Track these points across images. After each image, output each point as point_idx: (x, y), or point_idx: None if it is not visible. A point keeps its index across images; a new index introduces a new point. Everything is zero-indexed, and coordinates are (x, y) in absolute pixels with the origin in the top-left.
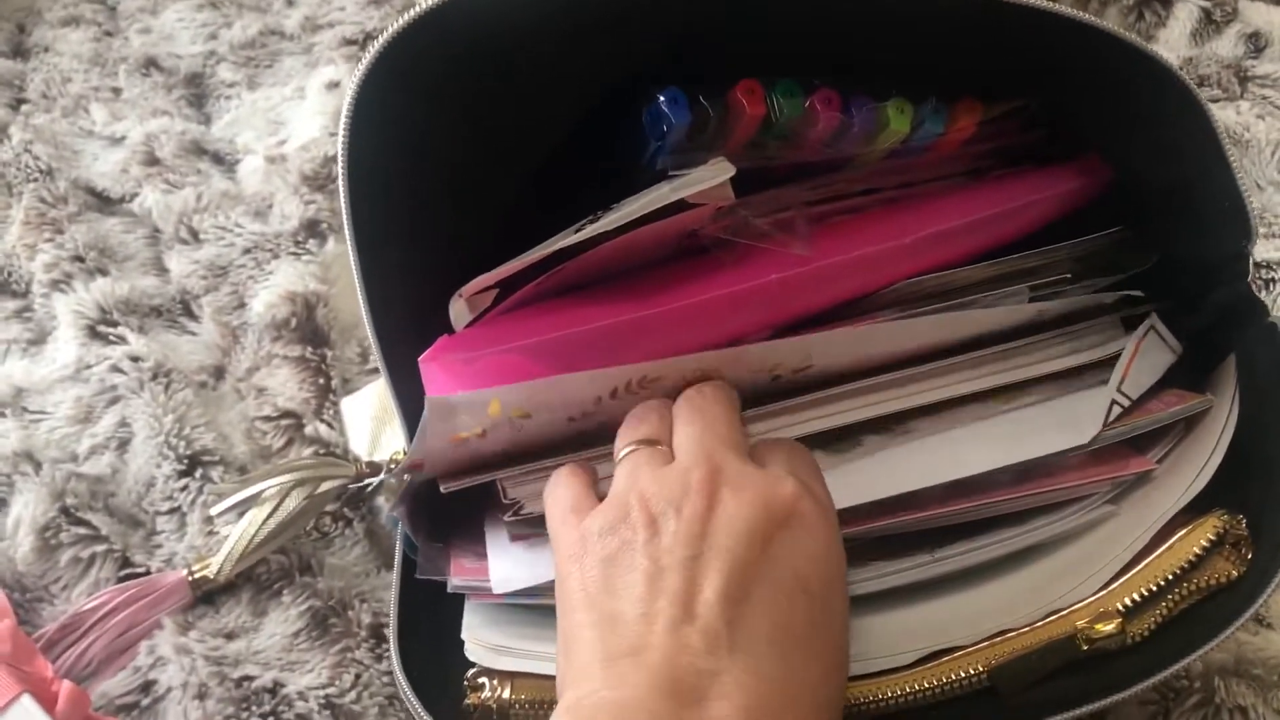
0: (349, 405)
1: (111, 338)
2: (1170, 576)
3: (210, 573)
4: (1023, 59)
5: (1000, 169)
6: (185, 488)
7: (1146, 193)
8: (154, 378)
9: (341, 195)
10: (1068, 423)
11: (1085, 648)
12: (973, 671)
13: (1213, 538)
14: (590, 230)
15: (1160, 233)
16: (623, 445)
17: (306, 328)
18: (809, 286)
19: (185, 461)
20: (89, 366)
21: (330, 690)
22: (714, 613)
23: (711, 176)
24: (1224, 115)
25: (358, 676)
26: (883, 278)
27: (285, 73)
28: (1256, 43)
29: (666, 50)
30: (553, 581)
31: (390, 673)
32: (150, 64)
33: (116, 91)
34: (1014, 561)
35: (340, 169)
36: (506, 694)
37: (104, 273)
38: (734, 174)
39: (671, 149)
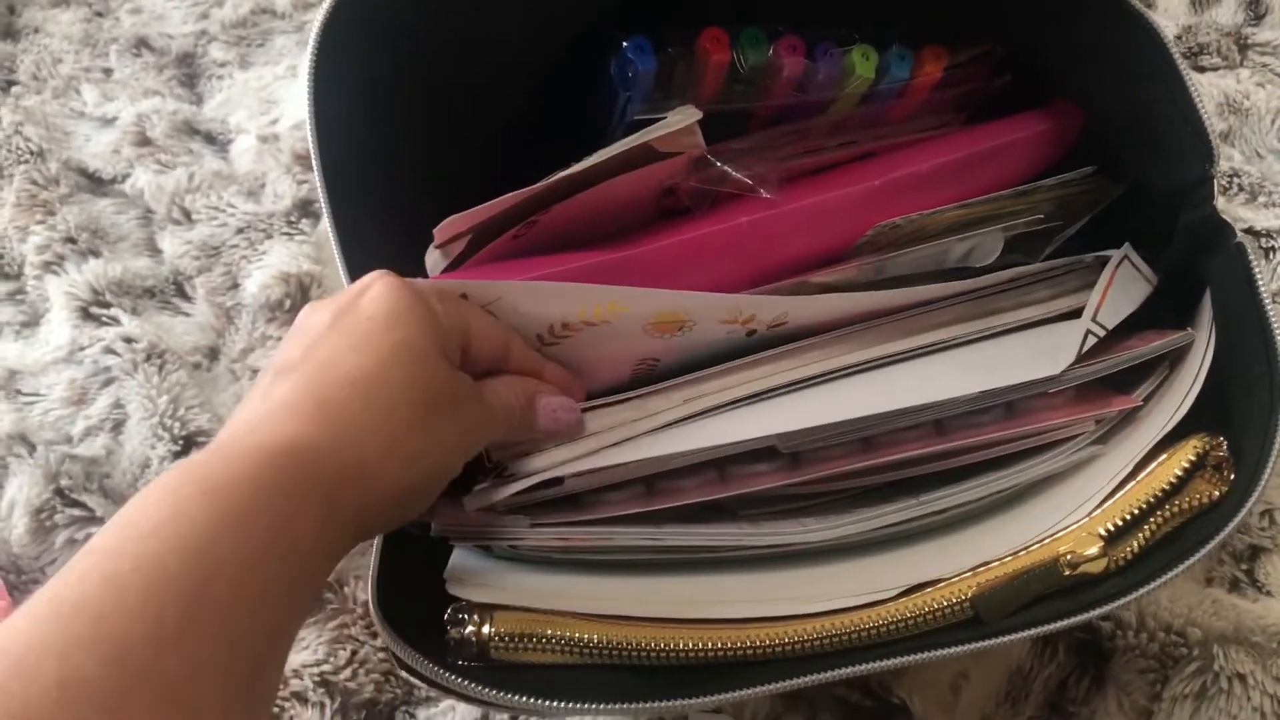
0: None
1: (104, 319)
2: (1152, 500)
3: None
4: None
5: (972, 121)
6: None
7: (1111, 125)
8: (148, 359)
9: (312, 153)
10: (1043, 352)
11: (1068, 573)
12: (955, 599)
13: (1193, 458)
14: (562, 174)
15: (1127, 165)
16: None
17: (300, 308)
18: (781, 230)
19: (180, 442)
20: (82, 348)
21: (325, 667)
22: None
23: (679, 121)
24: (1224, 83)
25: (354, 653)
26: (857, 224)
27: (277, 51)
28: (1256, 9)
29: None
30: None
31: (385, 648)
32: (141, 44)
33: (108, 72)
34: (1000, 505)
35: (309, 123)
36: (487, 629)
37: (96, 254)
38: (700, 118)
39: (640, 97)
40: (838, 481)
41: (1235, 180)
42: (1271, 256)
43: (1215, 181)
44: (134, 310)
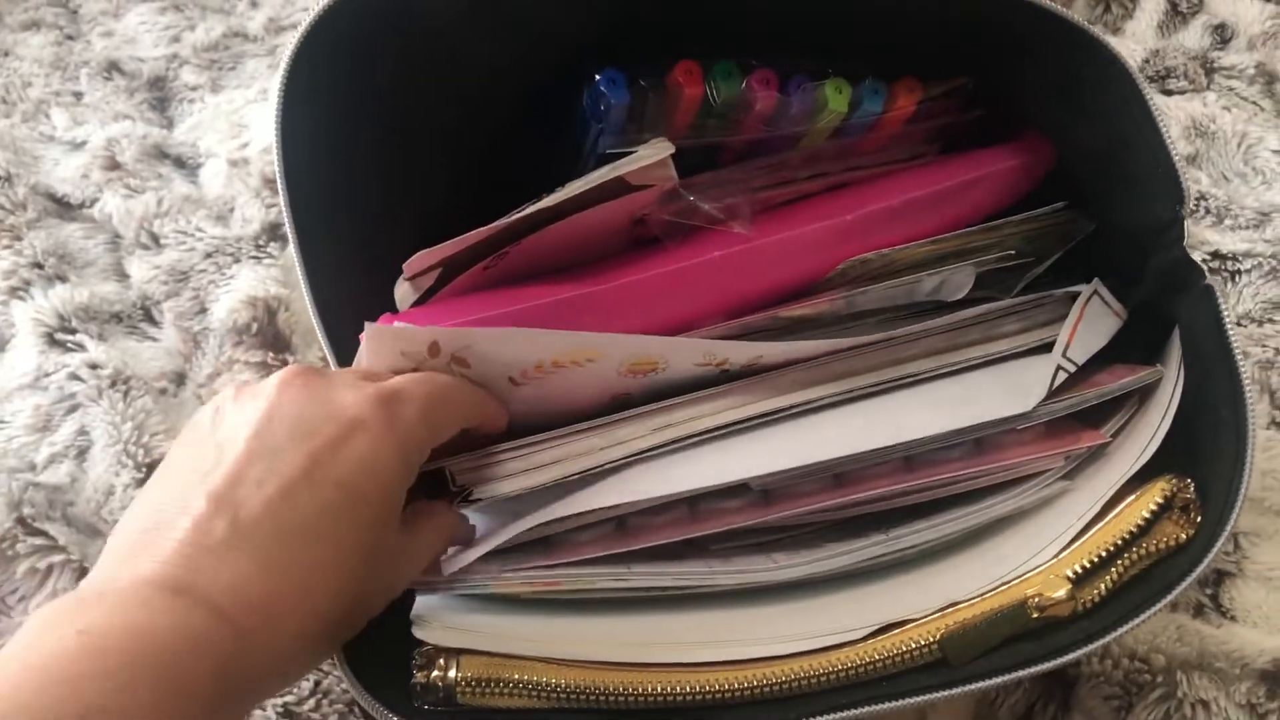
0: None
1: (70, 345)
2: (1119, 542)
3: None
4: (957, 35)
5: (944, 153)
6: None
7: (1082, 161)
8: (113, 385)
9: (279, 184)
10: (1013, 389)
11: (1035, 615)
12: (923, 642)
13: (1160, 501)
14: (532, 208)
15: (1098, 201)
16: None
17: (268, 332)
18: (753, 264)
19: (144, 470)
20: (47, 375)
21: (288, 698)
22: (244, 504)
23: (651, 155)
24: (1190, 107)
25: (316, 684)
26: (828, 258)
27: (249, 75)
28: (1223, 34)
29: (602, 32)
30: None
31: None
32: (112, 68)
33: (78, 95)
34: (969, 540)
35: (276, 155)
36: (453, 673)
37: (63, 279)
38: (673, 151)
39: (613, 130)
40: (808, 517)
41: (1202, 203)
42: (1238, 279)
43: (1185, 223)
44: (100, 336)
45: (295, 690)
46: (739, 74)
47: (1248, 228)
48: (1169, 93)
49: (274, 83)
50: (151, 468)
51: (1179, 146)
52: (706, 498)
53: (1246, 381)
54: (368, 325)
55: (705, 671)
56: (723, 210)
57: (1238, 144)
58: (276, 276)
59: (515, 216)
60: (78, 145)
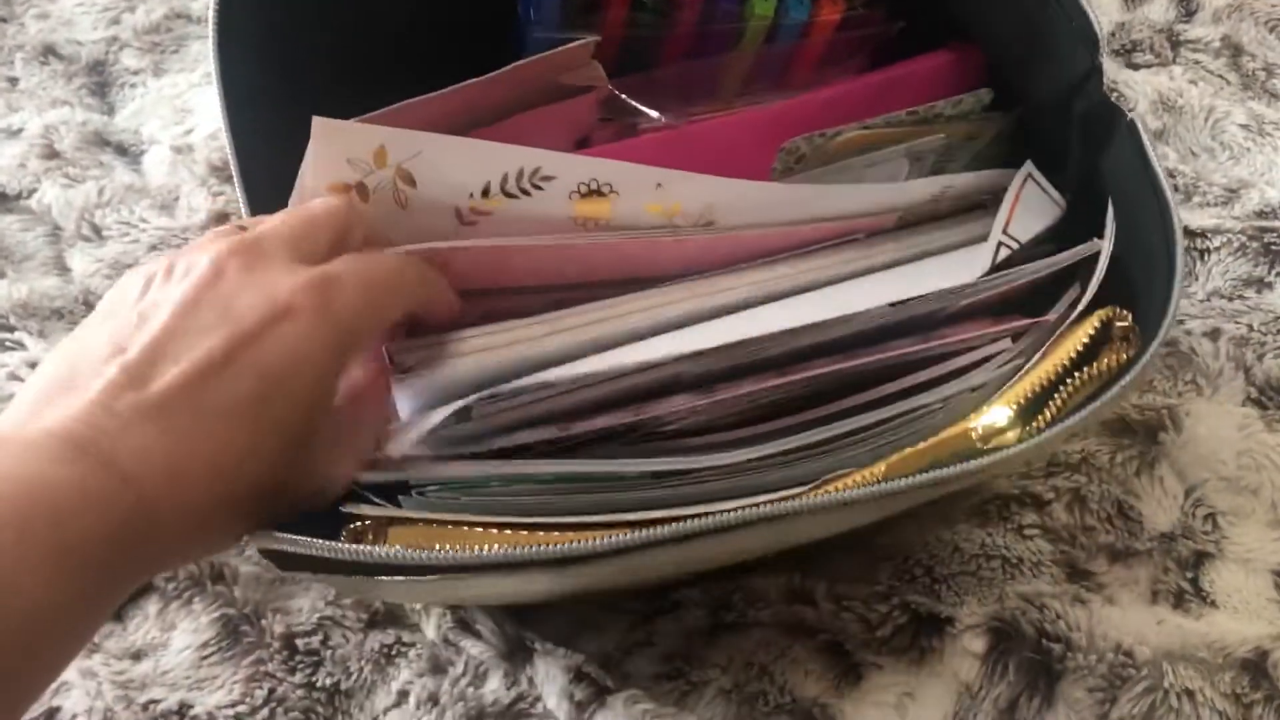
0: None
1: (8, 344)
2: (1059, 370)
3: None
4: None
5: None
6: None
7: (1004, 46)
8: None
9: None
10: (957, 268)
11: (981, 446)
12: (868, 480)
13: (1098, 325)
14: (460, 85)
15: (1023, 82)
16: None
17: None
18: (687, 154)
19: None
20: None
21: (241, 708)
22: (160, 373)
23: (576, 42)
24: (1157, 81)
25: (271, 691)
26: (764, 153)
27: (193, 58)
28: (1187, 6)
29: None
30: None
31: (305, 685)
32: (49, 52)
33: (13, 81)
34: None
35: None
36: (381, 546)
37: (0, 275)
38: (597, 40)
39: (547, 26)
40: (751, 403)
41: (1170, 180)
42: (1208, 257)
43: (1103, 72)
44: (41, 333)
45: (248, 700)
46: None
47: (1216, 204)
48: (1135, 66)
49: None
50: None
51: (1147, 121)
52: (649, 398)
53: (1170, 199)
54: (316, 120)
55: (650, 526)
56: (652, 106)
57: (1205, 118)
58: None
59: (446, 90)
60: (13, 133)
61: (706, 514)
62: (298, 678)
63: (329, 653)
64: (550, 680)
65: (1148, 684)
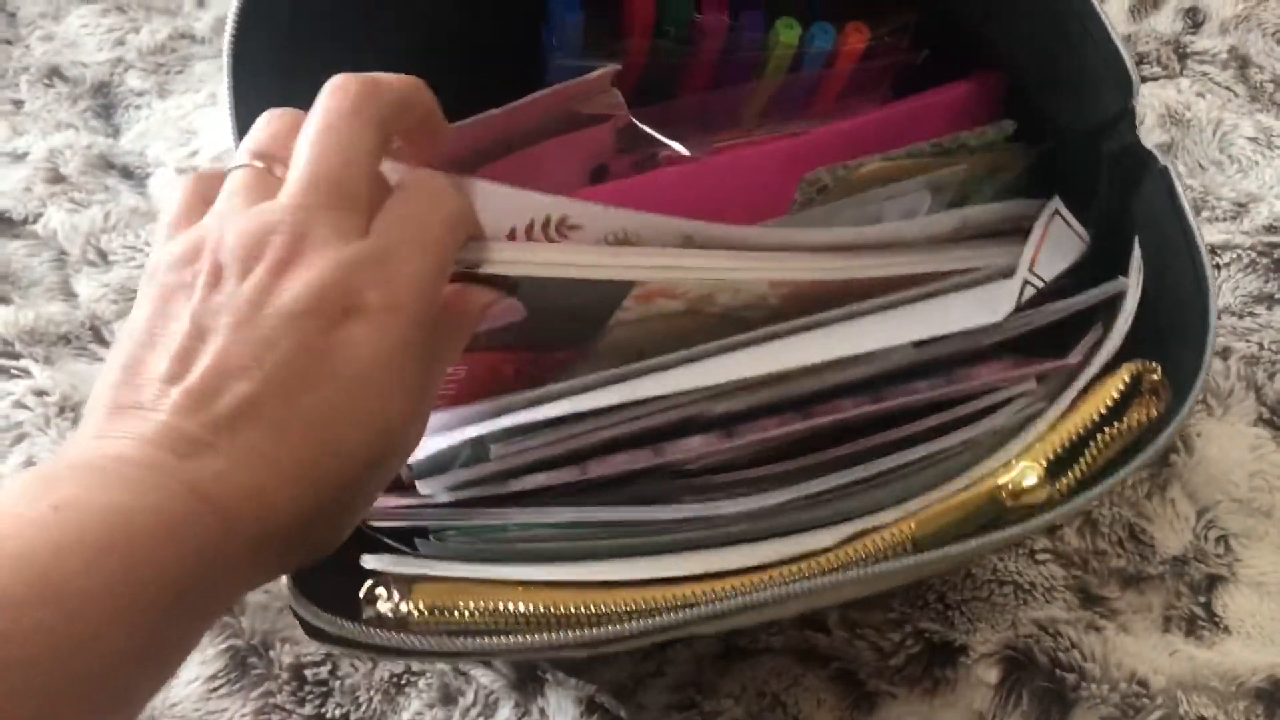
0: None
1: (14, 371)
2: (1089, 424)
3: None
4: None
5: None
6: None
7: (1031, 76)
8: (60, 412)
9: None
10: (980, 305)
11: (1010, 503)
12: (897, 539)
13: (1128, 379)
14: (483, 115)
15: (1050, 114)
16: (238, 155)
17: None
18: (706, 187)
19: None
20: None
21: None
22: (229, 391)
23: (596, 72)
24: (1164, 94)
25: None
26: (785, 185)
27: (197, 78)
28: (1194, 18)
29: None
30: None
31: (314, 716)
32: (54, 74)
33: (18, 104)
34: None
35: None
36: (406, 604)
37: (6, 301)
38: (618, 69)
39: (569, 53)
40: (773, 446)
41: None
42: (1218, 273)
43: (1135, 114)
44: (47, 359)
45: None
46: (691, 2)
47: (1225, 219)
48: (1143, 79)
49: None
50: None
51: (1154, 135)
52: (668, 436)
53: (1203, 253)
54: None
55: (677, 586)
56: (673, 135)
57: (1213, 131)
58: None
59: (466, 122)
60: (18, 157)
61: (736, 581)
62: (307, 709)
63: (338, 683)
64: (562, 712)
65: (1162, 713)
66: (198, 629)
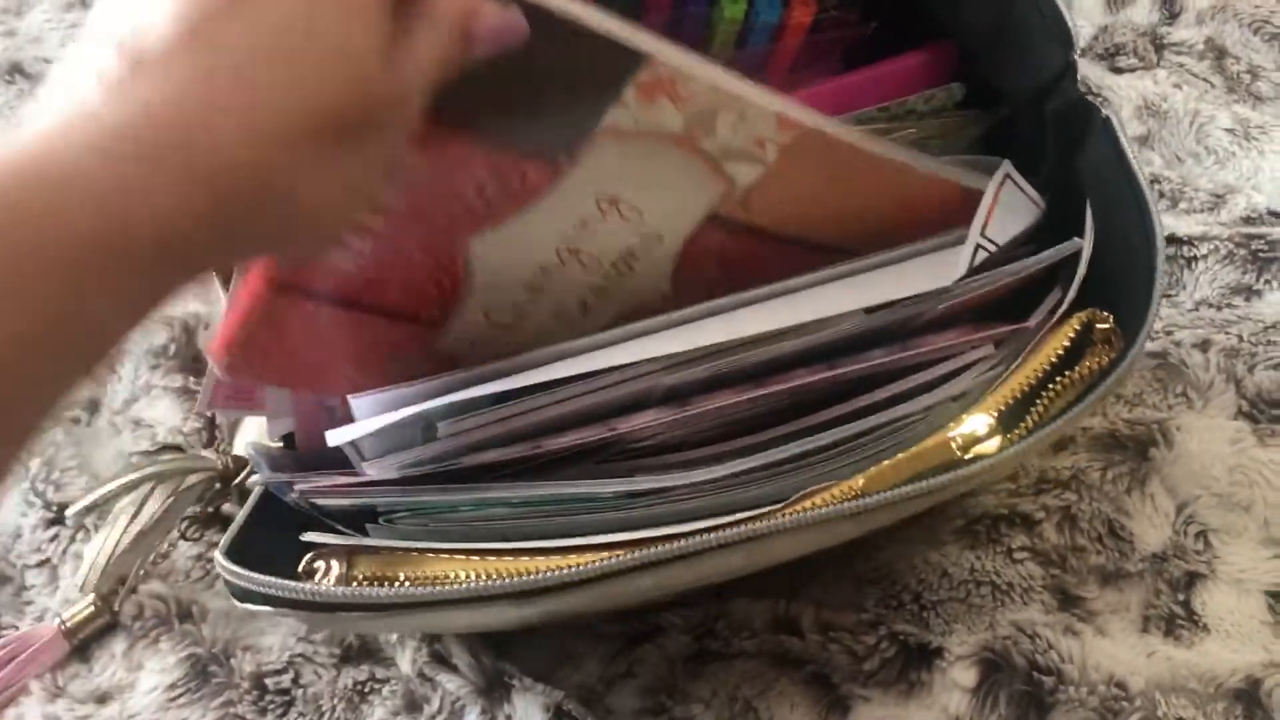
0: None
1: None
2: (1040, 375)
3: (80, 614)
4: None
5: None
6: (55, 537)
7: (976, 39)
8: None
9: None
10: (933, 271)
11: (960, 455)
12: (846, 494)
13: (1078, 328)
14: None
15: (998, 80)
16: None
17: (186, 354)
18: None
19: (54, 509)
20: None
21: None
22: (148, 34)
23: None
24: (1141, 85)
25: None
26: None
27: None
28: (1171, 8)
29: None
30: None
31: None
32: (15, 70)
33: None
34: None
35: None
36: (346, 571)
37: None
38: None
39: None
40: (728, 421)
41: (1156, 186)
42: (1195, 265)
43: (1077, 69)
44: None
45: None
46: None
47: (1202, 210)
48: (1119, 70)
49: None
50: (62, 506)
51: (1132, 126)
52: (620, 413)
53: (1149, 199)
54: None
55: (619, 550)
56: None
57: (1190, 123)
58: (193, 292)
59: None
60: None
61: (677, 537)
62: (269, 718)
63: (300, 691)
64: (529, 717)
65: (1140, 715)
66: (102, 319)
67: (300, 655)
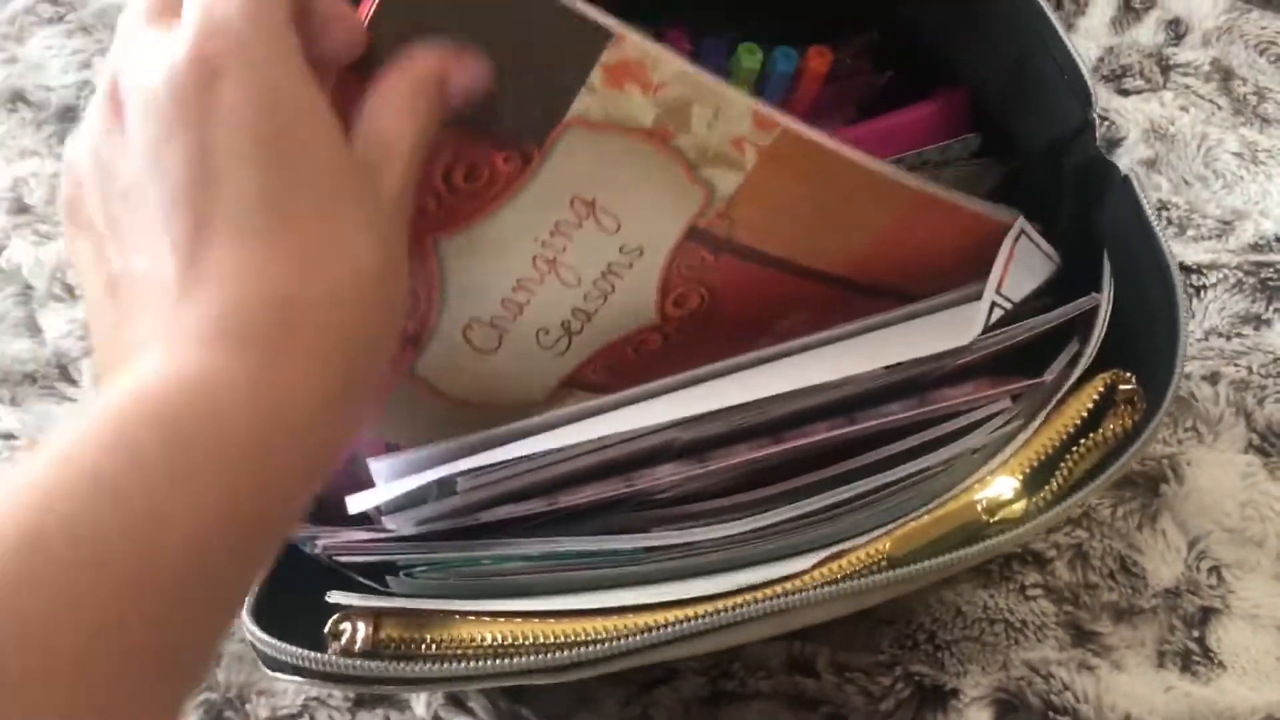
0: None
1: None
2: (1064, 437)
3: None
4: None
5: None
6: None
7: (992, 94)
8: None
9: None
10: (949, 330)
11: (986, 519)
12: (872, 558)
13: (1102, 390)
14: None
15: (1012, 132)
16: None
17: None
18: None
19: None
20: None
21: None
22: (162, 252)
23: None
24: (1148, 108)
25: None
26: None
27: None
28: (1177, 29)
29: None
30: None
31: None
32: (17, 98)
33: None
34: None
35: None
36: (372, 633)
37: None
38: None
39: None
40: (746, 473)
41: (1164, 213)
42: (1204, 294)
43: (1095, 126)
44: (13, 400)
45: None
46: (649, 32)
47: (1210, 237)
48: (1125, 93)
49: None
50: None
51: (1138, 150)
52: (639, 466)
53: (1169, 259)
54: None
55: (651, 613)
56: None
57: (1197, 146)
58: None
59: None
60: None
61: (708, 601)
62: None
63: None
64: None
65: None
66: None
67: (315, 699)
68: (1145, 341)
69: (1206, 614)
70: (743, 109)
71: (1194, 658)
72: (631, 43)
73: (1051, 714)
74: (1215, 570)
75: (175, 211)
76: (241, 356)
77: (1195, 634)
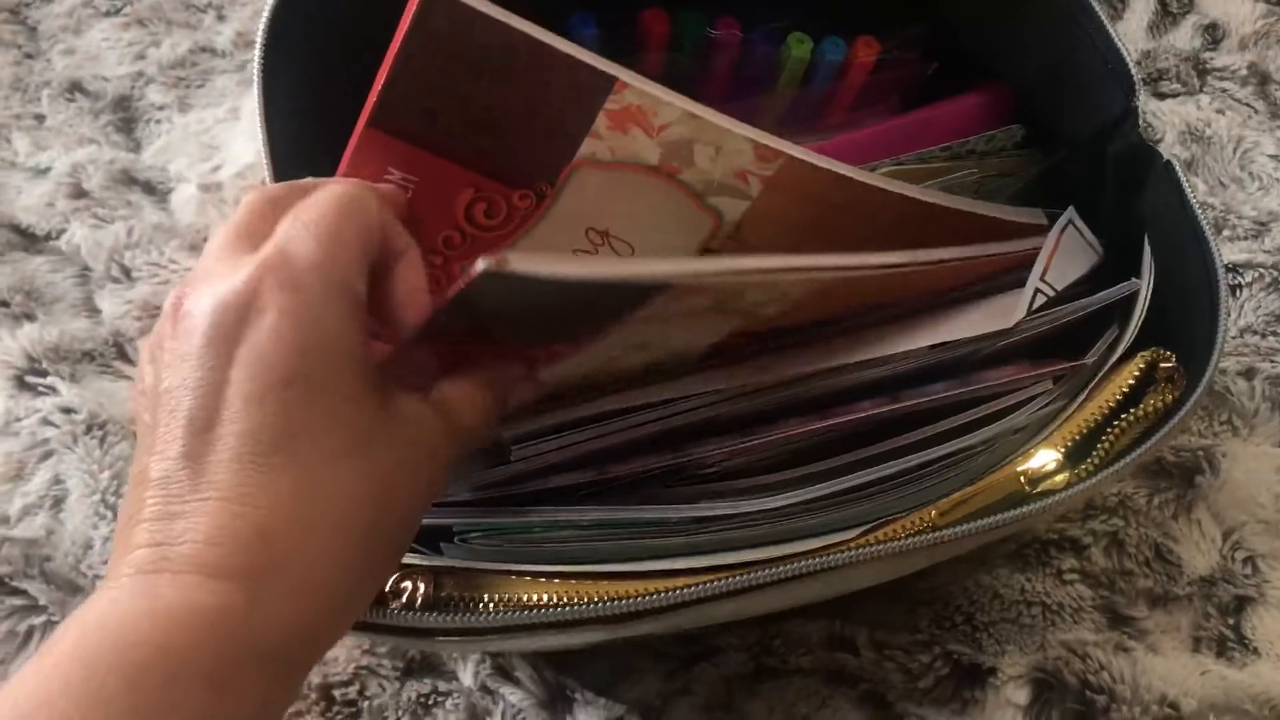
0: None
1: (41, 388)
2: (1106, 411)
3: None
4: None
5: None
6: None
7: (1037, 85)
8: (88, 430)
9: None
10: (994, 314)
11: (1029, 490)
12: (919, 526)
13: (1142, 367)
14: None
15: (1056, 121)
16: None
17: None
18: None
19: None
20: (18, 420)
21: None
22: (171, 463)
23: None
24: (1184, 110)
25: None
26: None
27: (218, 92)
28: (1214, 34)
29: None
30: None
31: None
32: (75, 88)
33: (39, 119)
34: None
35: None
36: (430, 591)
37: (31, 317)
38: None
39: None
40: (792, 450)
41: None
42: (1239, 293)
43: (1139, 113)
44: (72, 377)
45: None
46: (704, 19)
47: (1246, 238)
48: (1162, 96)
49: (248, 93)
50: None
51: (1175, 152)
52: (687, 439)
53: (1211, 241)
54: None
55: (700, 576)
56: None
57: (1233, 149)
58: None
59: None
60: (41, 172)
61: (764, 565)
62: None
63: (366, 703)
64: None
65: None
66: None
67: (365, 668)
68: (1184, 321)
69: (1241, 602)
70: (743, 145)
71: (1229, 643)
72: (633, 89)
73: (1088, 693)
74: (1250, 560)
75: (186, 433)
76: (217, 589)
77: (1230, 621)
